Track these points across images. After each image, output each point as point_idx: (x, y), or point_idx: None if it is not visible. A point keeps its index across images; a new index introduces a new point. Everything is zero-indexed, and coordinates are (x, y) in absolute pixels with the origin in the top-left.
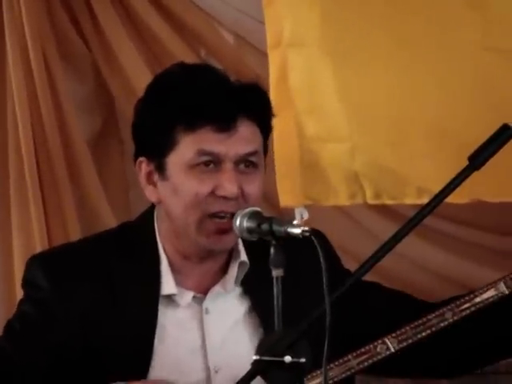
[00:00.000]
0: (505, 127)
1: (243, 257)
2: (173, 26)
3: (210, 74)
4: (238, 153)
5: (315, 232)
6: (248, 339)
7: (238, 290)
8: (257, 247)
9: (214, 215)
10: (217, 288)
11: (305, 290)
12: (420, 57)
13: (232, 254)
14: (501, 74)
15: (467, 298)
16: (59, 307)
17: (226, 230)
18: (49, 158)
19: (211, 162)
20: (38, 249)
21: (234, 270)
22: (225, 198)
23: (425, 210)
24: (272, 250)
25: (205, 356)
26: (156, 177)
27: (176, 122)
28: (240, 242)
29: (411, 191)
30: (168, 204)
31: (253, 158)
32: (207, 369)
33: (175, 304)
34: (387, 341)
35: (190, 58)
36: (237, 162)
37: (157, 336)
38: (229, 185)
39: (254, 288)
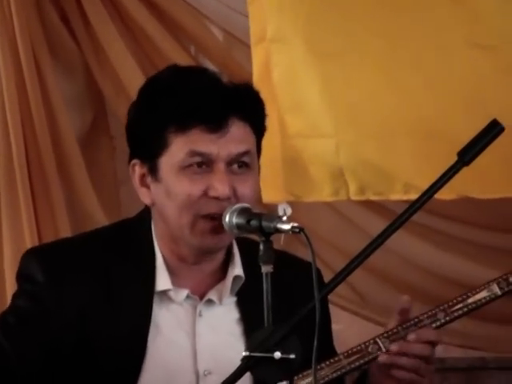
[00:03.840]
0: (494, 123)
1: (238, 271)
2: (162, 23)
3: (202, 75)
4: (230, 153)
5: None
6: (239, 346)
7: (233, 299)
8: (255, 259)
9: (206, 216)
10: (212, 296)
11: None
12: (406, 53)
13: (229, 260)
14: (487, 70)
15: (460, 298)
16: (54, 302)
17: (220, 230)
18: (39, 155)
19: (203, 163)
20: (29, 246)
21: (229, 283)
22: (217, 198)
23: (414, 206)
24: (261, 247)
25: (195, 359)
26: (149, 179)
27: (167, 123)
28: (237, 253)
29: (398, 187)
30: (161, 206)
31: (245, 158)
32: (196, 372)
33: (170, 300)
34: (379, 341)
35: (179, 55)
36: (229, 163)
37: (151, 333)
38: (220, 185)
39: (246, 299)
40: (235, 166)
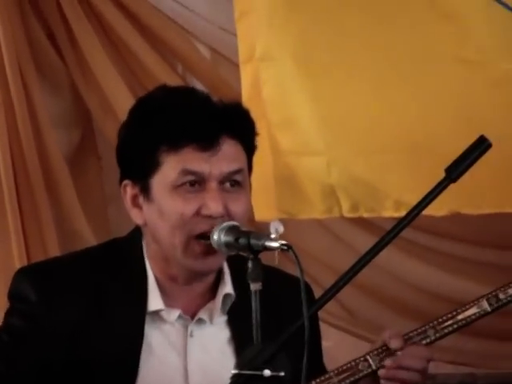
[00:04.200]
0: (482, 139)
1: (229, 289)
2: (149, 41)
3: (192, 94)
4: (222, 171)
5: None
6: (230, 366)
7: (224, 318)
8: (245, 277)
9: (200, 236)
10: (203, 315)
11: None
12: (395, 70)
13: (219, 279)
14: (475, 85)
15: (449, 315)
16: (47, 321)
17: (213, 252)
18: (26, 173)
19: (196, 182)
20: (17, 264)
21: (219, 301)
22: (210, 217)
23: (402, 223)
24: (250, 265)
25: (186, 379)
26: (141, 199)
27: (159, 142)
28: (227, 272)
29: (389, 204)
30: (154, 226)
31: (237, 177)
32: None
33: (162, 320)
34: (369, 358)
35: (166, 73)
36: (221, 181)
37: (142, 355)
38: (213, 204)
39: (237, 318)
40: (227, 185)
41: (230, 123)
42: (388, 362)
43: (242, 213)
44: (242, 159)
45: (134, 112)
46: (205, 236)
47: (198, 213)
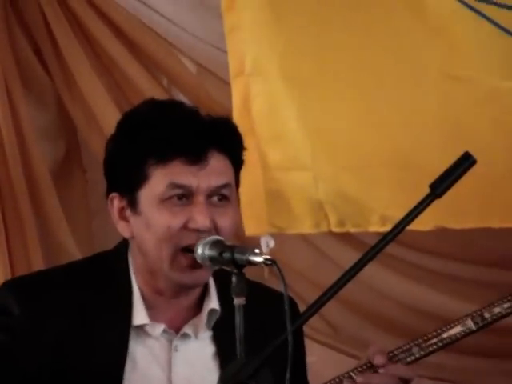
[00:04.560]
0: (466, 155)
1: (214, 304)
2: (135, 56)
3: (180, 108)
4: (210, 185)
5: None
6: (214, 382)
7: (209, 333)
8: (230, 293)
9: (186, 249)
10: (188, 330)
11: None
12: (382, 84)
13: (205, 294)
14: (462, 101)
15: (434, 333)
16: (30, 335)
17: (199, 265)
18: (11, 186)
19: (183, 196)
20: (1, 277)
21: (204, 317)
22: (197, 231)
23: (387, 238)
24: (234, 279)
25: None
26: (128, 212)
27: (147, 155)
28: (213, 286)
29: (375, 219)
30: (141, 239)
31: (225, 191)
32: None
33: (147, 334)
34: (353, 375)
35: (152, 88)
36: (209, 195)
37: (127, 368)
38: (201, 217)
39: (222, 334)
40: (215, 199)
41: (219, 137)
42: (359, 378)
43: (229, 227)
44: (230, 174)
45: (121, 125)
46: (191, 249)
47: (185, 226)
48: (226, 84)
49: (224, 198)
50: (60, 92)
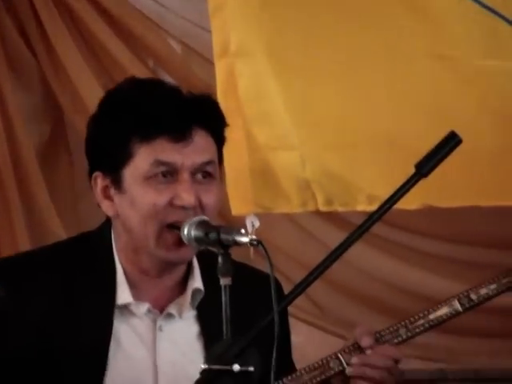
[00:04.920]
0: (452, 135)
1: (198, 283)
2: (120, 37)
3: (163, 86)
4: (195, 162)
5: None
6: (199, 361)
7: (193, 312)
8: (214, 272)
9: (172, 226)
10: (172, 309)
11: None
12: (368, 65)
13: (189, 273)
14: (448, 81)
15: (421, 314)
16: (15, 315)
17: (184, 242)
18: None
19: (168, 173)
20: None
21: (188, 296)
22: (183, 207)
23: (373, 218)
24: (220, 259)
25: (155, 374)
26: (112, 191)
27: (131, 133)
28: (197, 266)
29: (362, 198)
30: (126, 217)
31: (209, 168)
32: None
33: (131, 314)
34: (340, 356)
35: (138, 68)
36: (193, 172)
37: (111, 348)
38: (186, 195)
39: (206, 313)
40: (199, 176)
41: (201, 114)
42: (355, 359)
43: (214, 204)
44: (213, 151)
45: (104, 104)
46: (177, 226)
47: (170, 203)
48: (211, 64)
49: (208, 175)
50: (46, 74)
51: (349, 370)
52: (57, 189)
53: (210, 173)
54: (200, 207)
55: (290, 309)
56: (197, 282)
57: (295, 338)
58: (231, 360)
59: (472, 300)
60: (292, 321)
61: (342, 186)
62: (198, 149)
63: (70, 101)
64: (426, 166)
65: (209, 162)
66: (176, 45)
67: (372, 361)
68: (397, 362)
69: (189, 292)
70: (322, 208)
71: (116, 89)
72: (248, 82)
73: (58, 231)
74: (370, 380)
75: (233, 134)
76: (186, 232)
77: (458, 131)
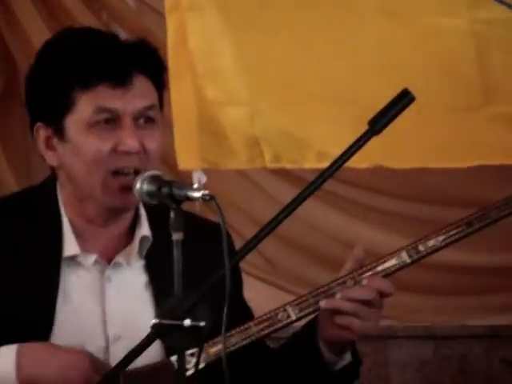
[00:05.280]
0: (405, 92)
1: (146, 231)
2: None
3: (100, 33)
4: (136, 107)
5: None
6: (148, 311)
7: (141, 262)
8: (162, 221)
9: (117, 172)
10: (120, 259)
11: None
12: (319, 22)
13: (136, 222)
14: (398, 38)
15: (369, 266)
16: None
17: (131, 188)
18: None
19: (110, 119)
20: None
21: (136, 244)
22: (127, 153)
23: (324, 175)
24: (172, 214)
25: (104, 324)
26: (55, 141)
27: (72, 81)
28: (144, 215)
29: (311, 155)
30: (70, 166)
31: (150, 113)
32: (106, 337)
33: (78, 265)
34: (288, 308)
35: (91, 21)
36: (135, 118)
37: (59, 300)
38: (130, 140)
39: (154, 262)
40: (141, 121)
41: (141, 60)
42: (338, 295)
43: (157, 149)
44: (154, 95)
45: (42, 54)
46: (122, 172)
47: (114, 150)
48: (164, 18)
49: (150, 119)
50: (0, 28)
51: (322, 303)
52: (9, 141)
53: (152, 117)
54: (144, 152)
55: (242, 264)
56: (144, 230)
57: (247, 294)
58: (182, 315)
59: (420, 251)
60: (244, 276)
61: (290, 142)
62: (139, 94)
63: (23, 53)
64: (378, 123)
65: (150, 107)
66: None
67: (350, 294)
68: (386, 295)
69: (136, 240)
70: (270, 165)
71: (54, 38)
72: (198, 37)
73: (9, 183)
74: (343, 313)
75: (182, 89)
76: (138, 186)
77: (411, 89)
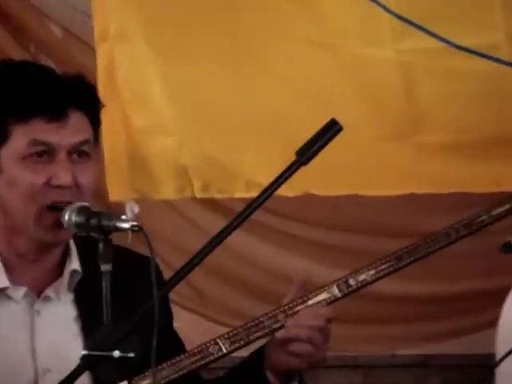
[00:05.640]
0: (332, 122)
1: (75, 265)
2: (1, 20)
3: (37, 67)
4: (71, 142)
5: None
6: (77, 344)
7: (71, 296)
8: (92, 254)
9: (51, 207)
10: (49, 292)
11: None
12: (250, 51)
13: (66, 255)
14: (326, 68)
15: (300, 300)
16: None
17: (63, 224)
18: None
19: (44, 152)
20: None
21: (65, 278)
22: (60, 187)
23: (253, 205)
24: (100, 246)
25: (34, 357)
26: None
27: (7, 114)
28: (74, 248)
29: (240, 185)
30: (4, 198)
31: (85, 148)
32: (36, 370)
33: (8, 298)
34: (219, 341)
35: (19, 53)
36: (70, 152)
37: None
38: (63, 174)
39: (84, 296)
40: (75, 156)
41: (77, 95)
42: (288, 321)
43: (90, 184)
44: (89, 131)
45: None
46: (56, 207)
47: (47, 183)
48: (92, 49)
49: (84, 154)
50: None
51: (279, 334)
52: None
53: (86, 152)
54: (77, 187)
55: (170, 294)
56: (74, 264)
57: (175, 324)
58: (111, 346)
59: (350, 285)
60: (172, 307)
61: (219, 171)
62: (74, 129)
63: None
64: (306, 154)
65: (85, 142)
66: (57, 29)
67: (303, 320)
68: (329, 321)
69: (66, 274)
70: (199, 194)
71: None
72: (127, 66)
73: None
74: (297, 340)
75: (111, 119)
76: (66, 217)
77: (339, 119)
